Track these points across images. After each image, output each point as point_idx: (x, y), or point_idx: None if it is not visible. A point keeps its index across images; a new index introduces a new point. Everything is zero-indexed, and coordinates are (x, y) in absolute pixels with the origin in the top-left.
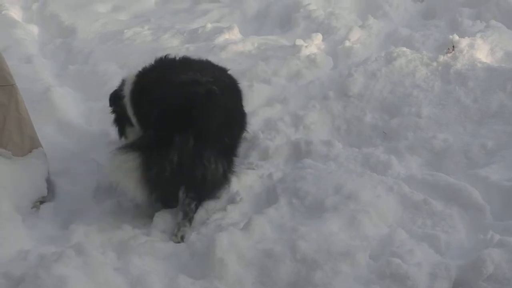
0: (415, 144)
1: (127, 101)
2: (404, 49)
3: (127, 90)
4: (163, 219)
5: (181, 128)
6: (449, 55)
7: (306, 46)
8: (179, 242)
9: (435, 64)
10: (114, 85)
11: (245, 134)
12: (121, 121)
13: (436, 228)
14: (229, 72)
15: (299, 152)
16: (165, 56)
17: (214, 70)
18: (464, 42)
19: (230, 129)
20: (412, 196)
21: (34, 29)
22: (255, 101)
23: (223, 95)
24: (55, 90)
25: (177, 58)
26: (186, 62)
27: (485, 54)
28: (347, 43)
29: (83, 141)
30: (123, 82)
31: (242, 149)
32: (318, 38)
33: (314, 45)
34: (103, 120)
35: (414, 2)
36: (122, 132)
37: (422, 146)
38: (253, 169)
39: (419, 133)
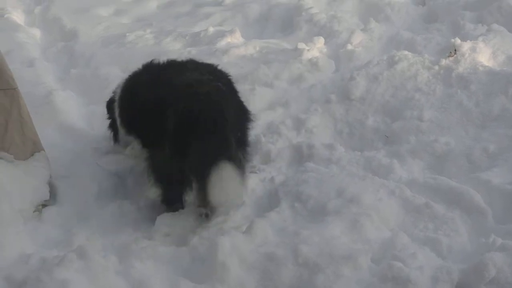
0: (417, 147)
1: (116, 104)
2: (406, 52)
3: (117, 94)
4: (165, 222)
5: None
6: (451, 58)
7: (308, 50)
8: (207, 215)
9: (437, 67)
10: None
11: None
12: (116, 126)
13: (438, 231)
14: (218, 67)
15: (301, 156)
16: (151, 61)
17: (205, 67)
18: (466, 46)
19: (240, 122)
20: (414, 200)
21: (37, 33)
22: (257, 105)
23: (228, 90)
24: (57, 94)
25: (164, 61)
26: (175, 64)
27: (487, 58)
28: (349, 47)
29: (85, 145)
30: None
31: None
32: (320, 41)
33: (316, 49)
34: (105, 123)
35: (416, 5)
36: (117, 137)
37: (424, 150)
38: (255, 172)
39: (421, 137)
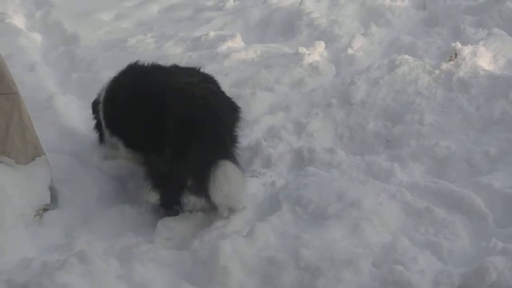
0: (417, 151)
1: (100, 106)
2: (407, 56)
3: (102, 96)
4: (166, 226)
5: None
6: (451, 62)
7: (308, 54)
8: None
9: (437, 71)
10: None
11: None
12: (101, 127)
13: (439, 235)
14: (201, 70)
15: (301, 160)
16: (135, 64)
17: (191, 71)
18: (466, 50)
19: (234, 121)
20: (414, 204)
21: (37, 37)
22: (258, 109)
23: (219, 90)
24: (58, 98)
25: (148, 65)
26: (160, 68)
27: (488, 62)
28: (350, 51)
29: (86, 149)
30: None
31: (245, 157)
32: (320, 46)
33: (317, 53)
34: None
35: (417, 9)
36: (102, 138)
37: (425, 154)
38: (256, 177)
39: (422, 141)
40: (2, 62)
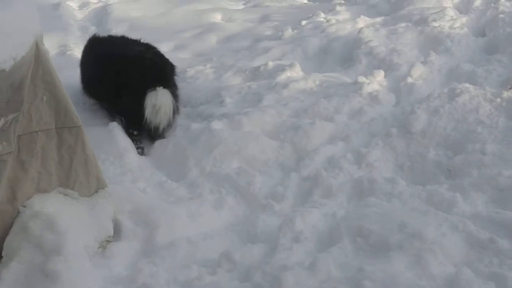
0: (480, 181)
1: None
2: (467, 85)
3: None
4: (228, 258)
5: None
6: None
7: (368, 83)
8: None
9: (498, 100)
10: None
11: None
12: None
13: (503, 266)
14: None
15: (362, 190)
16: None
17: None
18: None
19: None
20: (478, 235)
21: None
22: (318, 139)
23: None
24: (119, 129)
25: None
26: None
27: None
28: (409, 80)
29: (145, 180)
30: None
31: (305, 187)
32: (380, 74)
33: (376, 82)
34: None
35: (476, 37)
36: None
37: (487, 183)
38: (317, 207)
39: (484, 170)
40: (66, 96)
